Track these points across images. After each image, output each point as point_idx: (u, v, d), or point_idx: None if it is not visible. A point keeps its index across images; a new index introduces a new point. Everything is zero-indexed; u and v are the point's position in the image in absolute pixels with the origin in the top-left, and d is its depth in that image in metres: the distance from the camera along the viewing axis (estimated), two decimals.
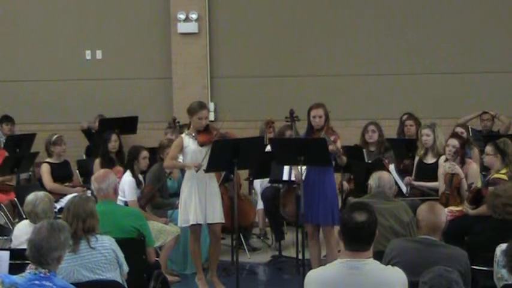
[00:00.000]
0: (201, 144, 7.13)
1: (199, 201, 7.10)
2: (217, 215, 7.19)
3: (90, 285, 4.86)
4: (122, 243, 5.17)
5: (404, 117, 9.97)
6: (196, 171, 7.04)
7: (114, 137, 8.99)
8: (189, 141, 7.20)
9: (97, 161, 8.86)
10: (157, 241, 7.03)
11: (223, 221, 7.30)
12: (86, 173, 9.32)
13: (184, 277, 7.81)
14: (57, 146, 8.98)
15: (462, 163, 7.80)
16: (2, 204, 8.98)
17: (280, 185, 8.47)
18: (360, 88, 11.52)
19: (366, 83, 11.53)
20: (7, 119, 11.00)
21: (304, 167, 7.17)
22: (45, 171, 8.86)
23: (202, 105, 7.28)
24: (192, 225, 7.15)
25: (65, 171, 9.08)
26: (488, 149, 7.38)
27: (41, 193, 5.76)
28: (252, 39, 11.67)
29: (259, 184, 9.09)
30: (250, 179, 9.08)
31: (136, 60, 11.81)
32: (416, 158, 8.52)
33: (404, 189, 8.21)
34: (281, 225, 8.88)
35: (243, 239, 8.59)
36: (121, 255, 5.04)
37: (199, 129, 7.18)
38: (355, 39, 11.50)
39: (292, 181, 7.91)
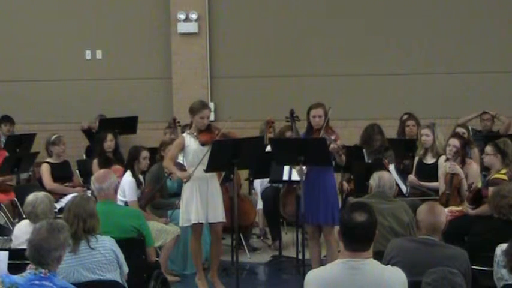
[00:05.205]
0: (203, 144, 7.13)
1: (201, 201, 7.10)
2: (218, 214, 7.20)
3: (90, 285, 4.86)
4: (122, 243, 5.17)
5: (405, 117, 9.97)
6: (185, 182, 7.08)
7: (109, 136, 9.03)
8: (190, 141, 7.20)
9: (95, 161, 8.90)
10: (157, 241, 7.03)
11: (224, 221, 7.31)
12: (86, 173, 9.32)
13: (184, 277, 7.81)
14: (56, 146, 8.99)
15: (463, 163, 7.80)
16: (2, 204, 8.99)
17: (280, 185, 8.47)
18: (360, 88, 11.52)
19: (366, 83, 11.53)
20: (6, 119, 11.00)
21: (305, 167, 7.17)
22: (45, 171, 8.87)
23: (204, 105, 7.30)
24: (194, 224, 7.16)
25: (65, 171, 9.09)
26: (488, 149, 7.38)
27: (41, 194, 5.75)
28: (252, 39, 11.67)
29: (259, 184, 9.09)
30: (250, 179, 9.08)
31: (136, 60, 11.81)
32: (416, 158, 8.52)
33: (404, 189, 8.21)
34: (278, 225, 8.88)
35: (243, 239, 8.59)
36: (121, 255, 5.04)
37: (201, 128, 7.19)
38: (356, 40, 11.49)
39: (292, 181, 7.92)
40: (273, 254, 8.64)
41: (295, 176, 7.58)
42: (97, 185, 5.84)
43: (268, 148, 8.12)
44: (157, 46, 11.77)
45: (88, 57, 11.86)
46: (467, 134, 8.89)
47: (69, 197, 7.81)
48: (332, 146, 7.09)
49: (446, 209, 6.40)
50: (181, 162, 7.73)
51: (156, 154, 8.39)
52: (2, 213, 9.00)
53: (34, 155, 9.54)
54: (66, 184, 8.98)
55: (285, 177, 8.06)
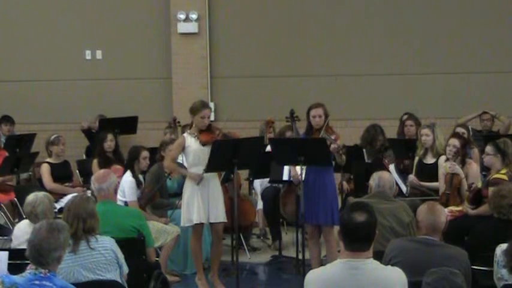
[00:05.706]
0: (203, 144, 7.13)
1: (202, 201, 7.10)
2: (219, 215, 7.20)
3: (90, 285, 4.86)
4: (122, 243, 5.17)
5: (405, 117, 9.97)
6: (197, 184, 7.05)
7: (109, 136, 9.04)
8: (191, 141, 7.20)
9: (95, 161, 8.92)
10: (157, 241, 7.03)
11: (225, 221, 7.31)
12: (86, 173, 9.32)
13: (184, 277, 7.82)
14: (56, 146, 9.00)
15: (463, 163, 7.81)
16: (2, 204, 8.99)
17: (280, 185, 8.47)
18: (360, 88, 11.52)
19: (366, 83, 11.53)
20: (7, 119, 11.00)
21: (304, 167, 7.16)
22: (45, 171, 8.87)
23: (205, 104, 7.30)
24: (195, 224, 7.15)
25: (65, 171, 9.09)
26: (488, 149, 7.38)
27: (41, 194, 5.75)
28: (252, 39, 11.67)
29: (259, 184, 9.09)
30: (250, 179, 9.08)
31: (136, 60, 11.81)
32: (416, 158, 8.52)
33: (404, 189, 8.21)
34: (278, 225, 8.88)
35: (243, 239, 8.58)
36: (121, 255, 5.04)
37: (201, 128, 7.18)
38: (355, 39, 11.49)
39: (292, 181, 7.91)
40: (273, 254, 8.64)
41: None
42: (97, 185, 5.84)
43: (268, 148, 8.12)
44: (157, 46, 11.77)
45: (88, 57, 11.86)
46: (467, 134, 8.89)
47: (69, 197, 7.80)
48: (332, 146, 7.09)
49: (446, 209, 6.40)
50: (181, 162, 7.73)
51: (156, 154, 8.39)
52: (2, 213, 9.00)
53: (34, 155, 9.55)
54: (66, 184, 8.99)
55: (285, 177, 8.07)
